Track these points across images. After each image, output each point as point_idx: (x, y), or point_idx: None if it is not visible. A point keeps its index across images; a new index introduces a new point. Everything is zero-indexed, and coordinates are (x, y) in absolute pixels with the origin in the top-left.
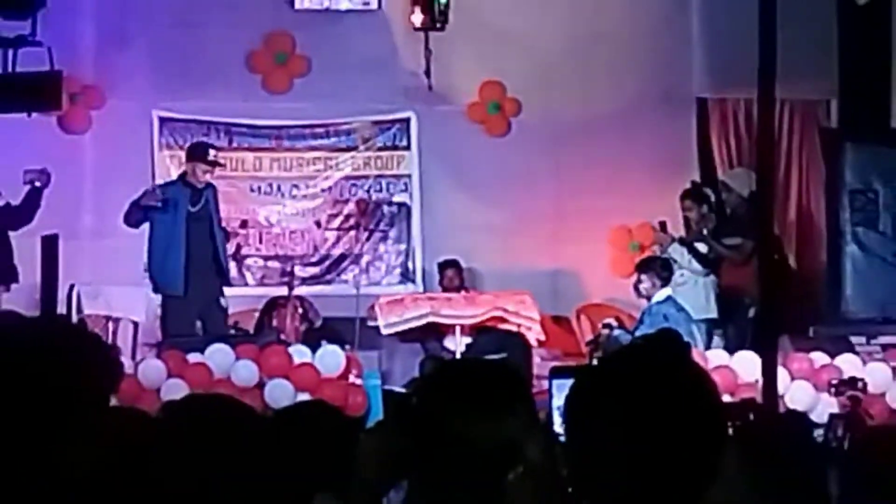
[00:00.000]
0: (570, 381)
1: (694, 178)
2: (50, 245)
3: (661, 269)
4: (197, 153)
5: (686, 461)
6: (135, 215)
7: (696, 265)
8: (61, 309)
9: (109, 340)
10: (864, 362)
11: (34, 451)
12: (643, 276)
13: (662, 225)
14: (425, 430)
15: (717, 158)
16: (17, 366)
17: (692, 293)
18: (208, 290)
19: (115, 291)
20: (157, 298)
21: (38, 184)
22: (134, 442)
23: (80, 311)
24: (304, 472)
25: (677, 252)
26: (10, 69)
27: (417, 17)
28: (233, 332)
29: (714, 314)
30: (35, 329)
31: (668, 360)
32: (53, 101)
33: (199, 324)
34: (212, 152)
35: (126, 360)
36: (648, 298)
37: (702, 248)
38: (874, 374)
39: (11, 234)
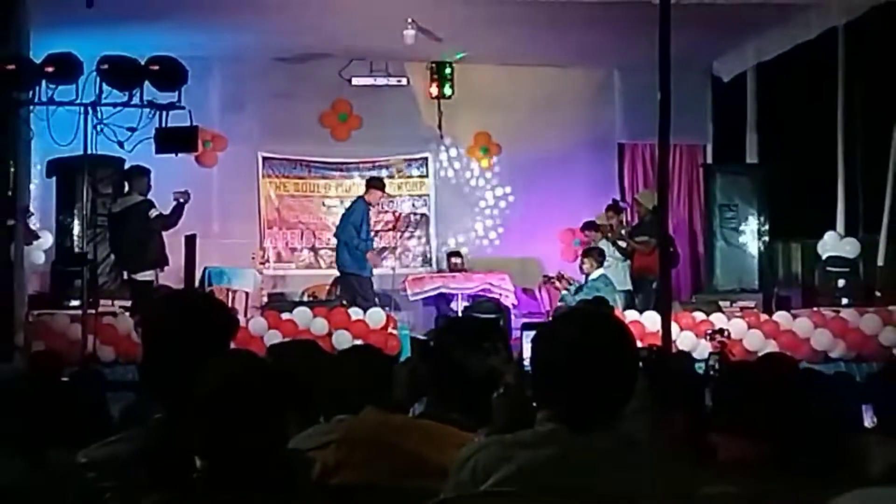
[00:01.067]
0: (534, 332)
1: (615, 197)
2: (190, 242)
3: (598, 255)
4: (377, 184)
5: (612, 382)
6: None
7: (617, 254)
8: (197, 284)
9: (229, 305)
10: (729, 318)
11: (186, 373)
12: (586, 260)
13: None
14: (438, 364)
15: (629, 183)
16: (174, 319)
17: (615, 273)
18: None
19: (234, 272)
20: (261, 277)
21: (181, 200)
22: (247, 369)
23: (210, 285)
24: (357, 390)
25: (605, 245)
26: (164, 125)
27: (433, 90)
28: (312, 298)
29: (630, 287)
30: (183, 296)
31: (599, 315)
32: (192, 146)
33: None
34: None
35: (241, 318)
36: (588, 275)
37: (621, 243)
38: (735, 327)
39: (164, 234)
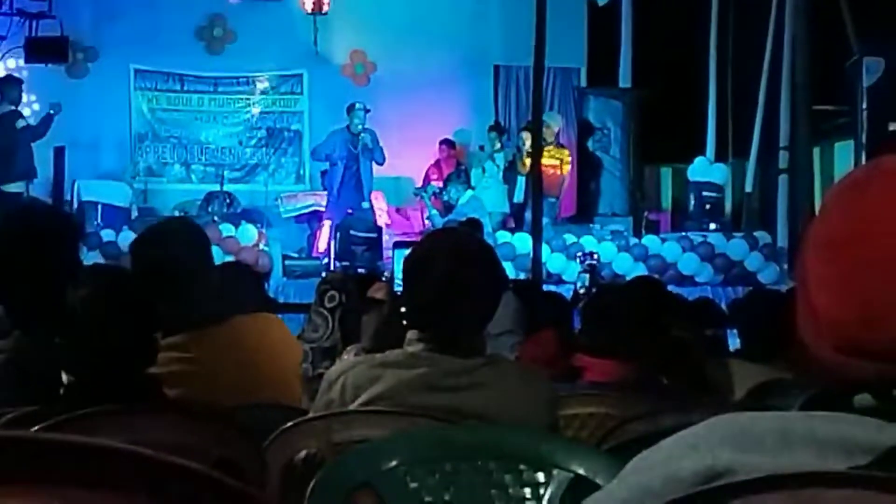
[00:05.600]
0: (406, 251)
1: (489, 119)
2: (59, 154)
3: (458, 178)
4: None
5: (475, 298)
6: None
7: (498, 176)
8: (67, 198)
9: (99, 221)
10: (599, 241)
11: (37, 286)
12: (450, 186)
13: (482, 147)
14: None
15: (504, 105)
16: (15, 232)
17: (493, 194)
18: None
19: (105, 186)
20: (132, 191)
21: (52, 111)
22: (114, 284)
23: (80, 199)
24: (230, 305)
25: (489, 165)
26: (33, 34)
27: (308, 5)
28: (184, 214)
29: (507, 209)
30: (24, 209)
31: (467, 237)
32: (62, 57)
33: None
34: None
35: (110, 232)
36: (457, 200)
37: (500, 162)
38: (605, 250)
39: (32, 144)
